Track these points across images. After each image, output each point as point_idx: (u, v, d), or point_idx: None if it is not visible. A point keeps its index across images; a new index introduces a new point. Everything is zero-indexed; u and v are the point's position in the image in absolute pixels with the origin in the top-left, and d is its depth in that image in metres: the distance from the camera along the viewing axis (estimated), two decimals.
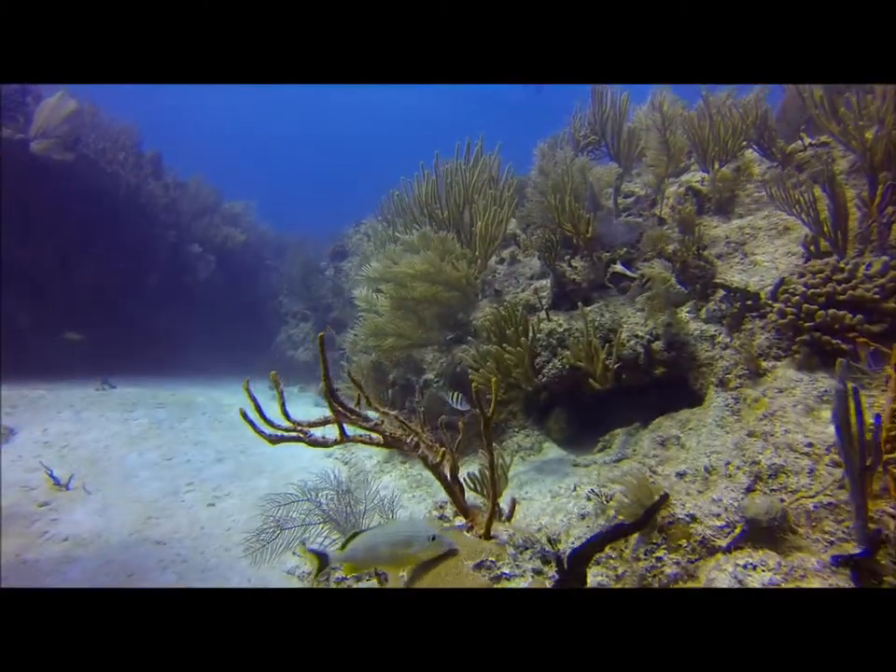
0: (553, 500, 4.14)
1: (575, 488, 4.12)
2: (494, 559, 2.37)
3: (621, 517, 3.14)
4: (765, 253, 4.94)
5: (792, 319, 3.77)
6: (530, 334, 4.82)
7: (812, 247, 4.32)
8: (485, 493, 3.31)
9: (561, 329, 5.08)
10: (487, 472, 3.31)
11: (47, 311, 9.09)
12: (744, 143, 5.81)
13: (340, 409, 2.44)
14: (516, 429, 5.36)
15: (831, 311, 3.61)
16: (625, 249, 5.58)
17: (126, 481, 5.19)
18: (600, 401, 5.41)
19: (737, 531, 2.72)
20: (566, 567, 2.26)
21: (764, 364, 3.93)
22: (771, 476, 3.05)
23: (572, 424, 5.30)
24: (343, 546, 2.31)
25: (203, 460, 6.07)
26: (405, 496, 4.99)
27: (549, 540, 2.95)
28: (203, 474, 5.67)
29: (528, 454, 5.17)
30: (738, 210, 5.77)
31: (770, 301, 4.12)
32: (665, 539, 2.82)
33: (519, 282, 6.05)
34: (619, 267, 5.50)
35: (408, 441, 2.61)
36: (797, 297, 3.77)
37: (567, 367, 4.98)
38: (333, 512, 3.53)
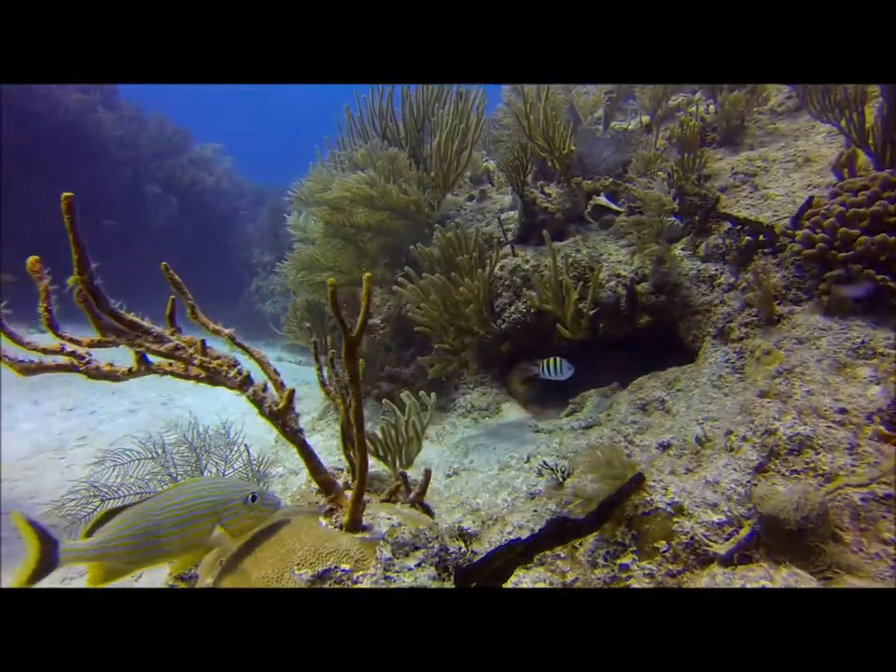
0: (500, 473, 3.18)
1: (528, 459, 3.17)
2: (349, 566, 1.41)
3: (576, 502, 2.19)
4: (780, 187, 3.89)
5: (822, 248, 2.76)
6: (488, 268, 3.80)
7: (846, 171, 3.28)
8: (389, 459, 2.33)
9: (527, 267, 4.06)
10: (392, 431, 2.33)
11: None
12: None
13: (113, 322, 1.43)
14: (471, 386, 4.38)
15: (878, 236, 2.61)
16: (611, 179, 4.53)
17: None
18: (573, 356, 4.42)
19: (744, 532, 1.76)
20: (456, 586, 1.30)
21: (780, 309, 2.94)
22: (793, 452, 2.08)
23: (538, 382, 4.33)
24: (89, 530, 1.33)
25: (112, 411, 5.10)
26: (328, 459, 4.03)
27: (461, 535, 1.99)
28: (103, 426, 4.69)
29: (483, 415, 4.21)
30: (748, 142, 4.70)
31: (790, 231, 3.10)
32: (635, 539, 1.86)
33: (485, 216, 4.99)
34: (602, 199, 4.46)
35: (230, 375, 1.61)
36: (831, 219, 2.75)
37: (533, 311, 3.98)
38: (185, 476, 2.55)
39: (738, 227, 3.52)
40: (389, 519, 1.68)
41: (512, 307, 4.07)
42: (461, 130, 4.46)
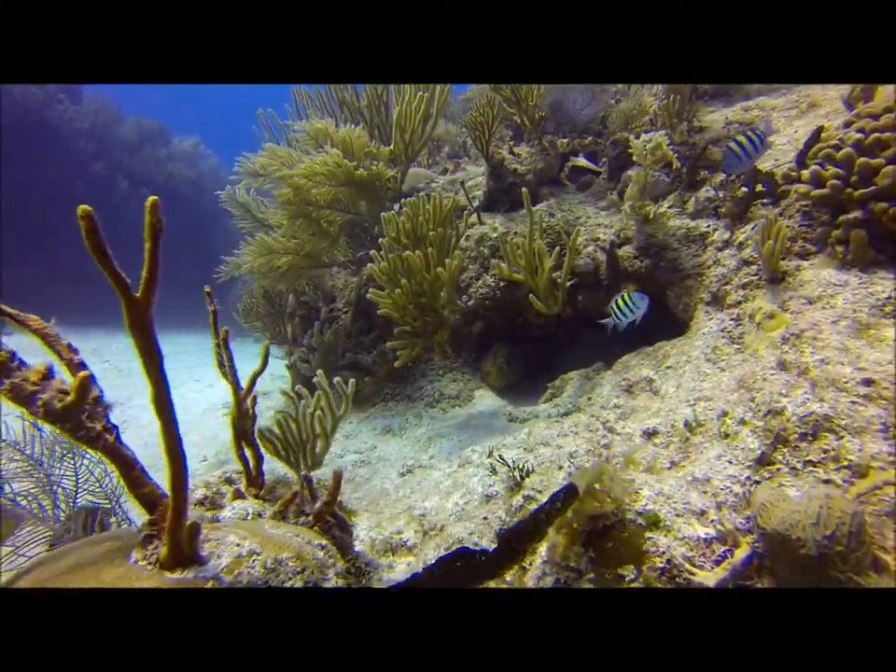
0: (458, 470, 2.66)
1: (490, 453, 2.64)
2: None
3: (530, 506, 1.67)
4: (782, 136, 3.31)
5: (836, 187, 2.21)
6: (454, 240, 3.25)
7: (860, 104, 2.70)
8: (292, 459, 1.82)
9: (495, 235, 3.52)
10: (292, 425, 1.82)
11: None
12: None
13: None
14: (440, 372, 3.86)
15: None
16: (590, 138, 3.97)
17: None
18: (552, 335, 3.90)
19: (740, 553, 1.23)
20: None
21: (784, 264, 2.39)
22: (806, 436, 1.55)
23: (515, 365, 3.80)
24: None
25: None
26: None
27: (353, 567, 1.45)
28: None
29: (452, 404, 3.68)
30: (744, 90, 4.12)
31: (794, 172, 2.54)
32: (593, 562, 1.33)
33: (456, 187, 4.45)
34: (581, 160, 3.91)
35: None
36: (846, 149, 2.19)
37: (503, 284, 3.45)
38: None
39: (732, 177, 2.96)
40: (238, 545, 1.16)
41: (479, 281, 3.54)
42: (425, 98, 3.90)
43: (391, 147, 4.09)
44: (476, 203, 3.79)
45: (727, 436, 1.72)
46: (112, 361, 6.36)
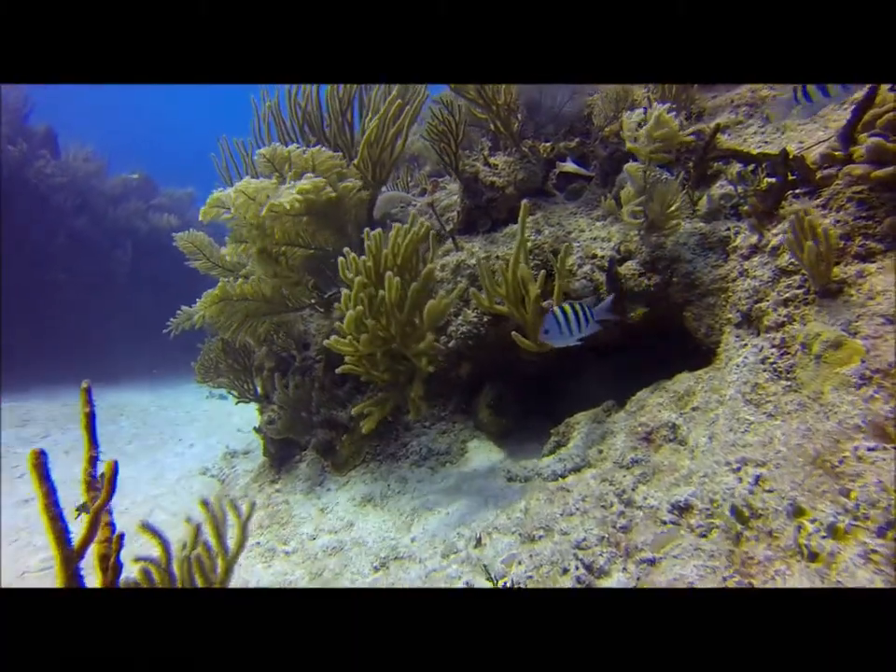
0: (439, 568, 2.04)
1: (480, 541, 2.02)
2: None
3: None
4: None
5: None
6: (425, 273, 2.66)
7: None
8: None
9: (473, 262, 2.94)
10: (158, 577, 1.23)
11: None
12: None
13: None
14: (426, 423, 3.25)
15: None
16: (577, 139, 3.39)
17: None
18: (552, 370, 3.28)
19: None
20: None
21: (840, 271, 1.76)
22: None
23: (510, 409, 3.19)
24: None
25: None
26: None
27: None
28: None
29: (442, 461, 3.07)
30: None
31: (837, 153, 1.94)
32: None
33: (436, 210, 3.88)
34: (569, 164, 3.33)
35: None
36: None
37: (486, 318, 2.86)
38: None
39: (752, 167, 2.35)
40: None
41: (460, 318, 2.95)
42: (396, 104, 3.34)
43: (356, 161, 3.54)
44: (450, 227, 3.22)
45: (814, 556, 1.10)
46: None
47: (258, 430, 3.67)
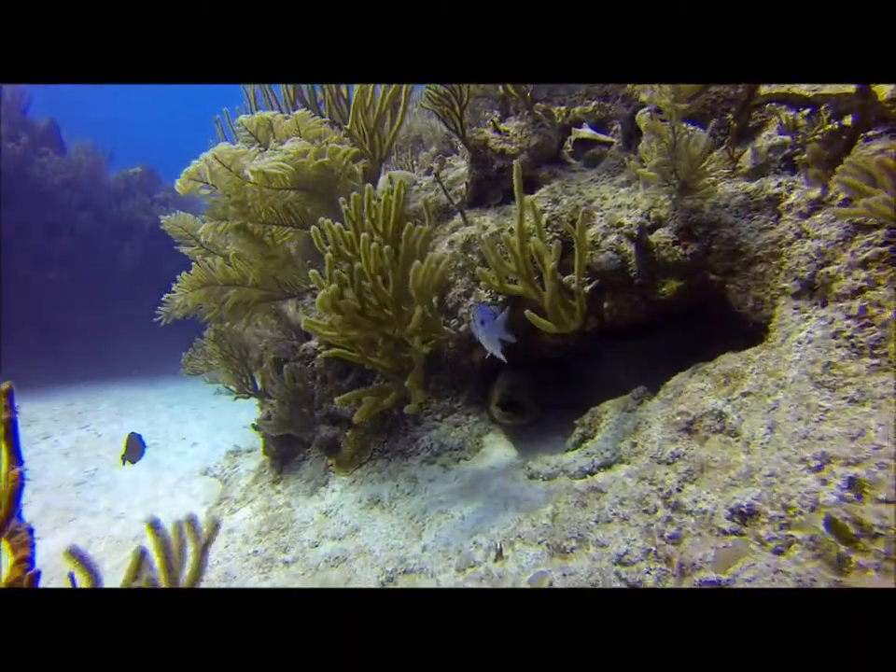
0: (456, 579, 1.75)
1: (500, 553, 1.73)
2: None
3: None
4: None
5: None
6: (419, 239, 2.35)
7: None
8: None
9: (486, 236, 2.62)
10: None
11: None
12: None
13: None
14: (438, 416, 2.95)
15: None
16: (594, 102, 3.06)
17: None
18: (574, 355, 2.96)
19: None
20: None
21: None
22: None
23: (529, 398, 2.88)
24: None
25: None
26: (243, 549, 2.65)
27: None
28: None
29: (456, 457, 2.78)
30: None
31: None
32: None
33: (437, 185, 3.56)
34: (586, 130, 3.00)
35: None
36: None
37: (500, 297, 2.55)
38: None
39: (805, 112, 2.01)
40: None
41: (471, 299, 2.64)
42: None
43: (348, 125, 3.23)
44: (458, 200, 2.90)
45: None
46: (91, 427, 5.63)
47: (255, 427, 3.40)
